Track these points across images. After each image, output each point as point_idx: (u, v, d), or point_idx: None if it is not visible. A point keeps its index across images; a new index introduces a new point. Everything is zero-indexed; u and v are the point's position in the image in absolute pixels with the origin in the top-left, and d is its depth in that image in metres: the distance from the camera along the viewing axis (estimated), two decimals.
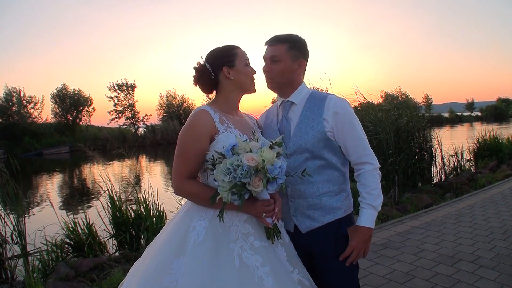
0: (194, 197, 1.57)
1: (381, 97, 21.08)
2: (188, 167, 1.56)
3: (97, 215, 4.57)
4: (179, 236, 1.52)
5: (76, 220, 4.44)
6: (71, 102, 33.99)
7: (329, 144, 1.70)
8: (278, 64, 1.70)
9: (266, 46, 1.74)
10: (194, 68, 1.69)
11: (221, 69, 1.65)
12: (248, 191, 1.40)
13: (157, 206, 4.61)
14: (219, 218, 1.44)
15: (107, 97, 37.29)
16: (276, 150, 1.45)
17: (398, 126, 7.01)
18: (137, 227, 4.48)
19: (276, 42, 1.71)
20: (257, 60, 1.79)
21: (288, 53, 1.70)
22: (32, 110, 31.45)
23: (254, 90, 1.71)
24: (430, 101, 69.58)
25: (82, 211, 4.76)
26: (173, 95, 40.88)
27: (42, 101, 32.28)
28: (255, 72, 1.69)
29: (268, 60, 1.72)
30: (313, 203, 1.70)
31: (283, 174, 1.43)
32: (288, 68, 1.71)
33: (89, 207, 8.29)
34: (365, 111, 7.35)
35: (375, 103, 8.34)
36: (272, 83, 1.75)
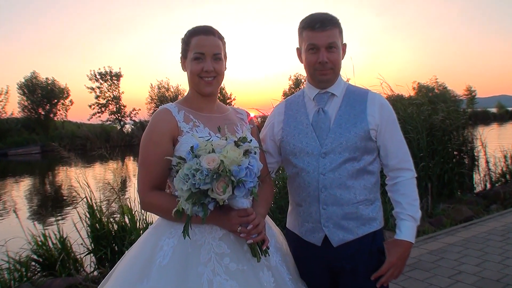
0: (159, 211, 1.61)
1: (413, 88, 20.90)
2: (150, 176, 1.59)
3: (73, 227, 4.63)
4: (144, 256, 1.54)
5: (47, 232, 4.49)
6: (43, 94, 34.32)
7: (370, 145, 1.78)
8: (336, 52, 1.76)
9: (313, 31, 1.74)
10: None
11: (181, 58, 1.74)
12: (213, 200, 1.38)
13: (144, 217, 4.66)
14: (183, 235, 1.42)
15: (88, 88, 37.84)
16: (244, 148, 1.45)
17: (432, 124, 6.96)
18: (120, 241, 4.51)
19: (331, 25, 1.74)
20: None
21: (340, 38, 1.78)
22: None
23: (202, 92, 1.70)
24: (473, 93, 68.92)
25: (55, 222, 4.78)
26: (166, 86, 41.32)
27: (7, 92, 32.75)
28: (199, 71, 1.66)
29: (323, 49, 1.74)
30: (349, 211, 1.77)
31: (254, 176, 1.42)
32: (340, 56, 1.79)
33: (64, 217, 8.36)
34: (392, 105, 7.31)
35: (405, 96, 8.29)
36: (331, 75, 1.80)
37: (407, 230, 1.76)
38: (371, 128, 1.76)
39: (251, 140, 1.53)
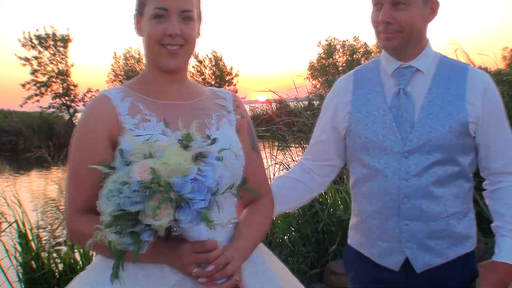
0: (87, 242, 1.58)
1: (504, 58, 20.74)
2: (81, 194, 1.61)
3: None
4: None
5: None
6: None
7: (468, 143, 1.91)
8: (407, 10, 1.84)
9: None
10: None
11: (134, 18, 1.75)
12: (149, 228, 1.35)
13: None
14: (111, 279, 1.42)
15: (20, 58, 38.06)
16: (194, 150, 1.42)
17: None
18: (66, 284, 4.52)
19: None
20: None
21: None
22: None
23: (163, 66, 1.69)
24: None
25: None
26: (137, 56, 41.57)
27: None
28: (160, 35, 1.63)
29: (387, 4, 1.84)
30: (438, 228, 1.91)
31: (206, 191, 1.37)
32: (420, 16, 1.87)
33: None
34: None
35: (491, 69, 8.24)
36: (397, 40, 1.88)
37: (508, 250, 1.86)
38: (471, 121, 1.86)
39: (214, 139, 1.51)
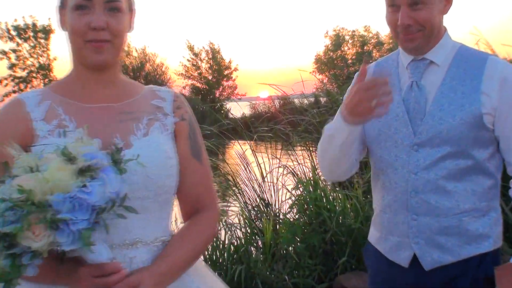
0: None
1: None
2: None
3: None
4: None
5: None
6: None
7: (484, 136, 1.95)
8: (425, 9, 1.90)
9: None
10: None
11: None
12: (30, 250, 1.30)
13: None
14: None
15: None
16: (79, 164, 1.36)
17: None
18: None
19: None
20: None
21: None
22: None
23: (88, 63, 1.63)
24: None
25: None
26: (126, 48, 41.23)
27: None
28: (84, 29, 1.58)
29: (405, 7, 1.90)
30: (448, 224, 1.97)
31: (90, 210, 1.32)
32: (438, 11, 1.95)
33: None
34: None
35: None
36: (421, 40, 1.95)
37: None
38: (485, 112, 1.90)
39: (119, 149, 1.47)
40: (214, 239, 4.81)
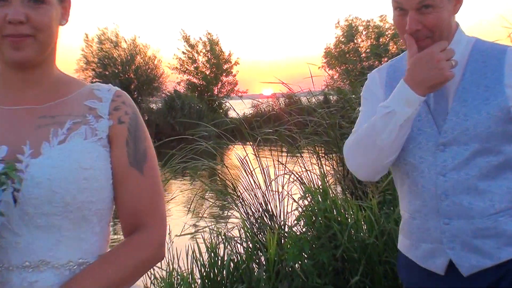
0: None
1: None
2: None
3: None
4: None
5: None
6: None
7: (510, 129, 2.02)
8: (435, 13, 1.96)
9: None
10: None
11: None
12: None
13: None
14: None
15: None
16: None
17: None
18: None
19: None
20: None
21: None
22: None
23: (8, 60, 1.61)
24: None
25: None
26: (115, 39, 41.50)
27: None
28: (1, 23, 1.55)
29: (413, 11, 1.95)
30: (484, 226, 2.03)
31: None
32: (447, 13, 2.00)
33: None
34: None
35: None
36: (428, 45, 1.99)
37: None
38: None
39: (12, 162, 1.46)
40: (212, 255, 4.79)
